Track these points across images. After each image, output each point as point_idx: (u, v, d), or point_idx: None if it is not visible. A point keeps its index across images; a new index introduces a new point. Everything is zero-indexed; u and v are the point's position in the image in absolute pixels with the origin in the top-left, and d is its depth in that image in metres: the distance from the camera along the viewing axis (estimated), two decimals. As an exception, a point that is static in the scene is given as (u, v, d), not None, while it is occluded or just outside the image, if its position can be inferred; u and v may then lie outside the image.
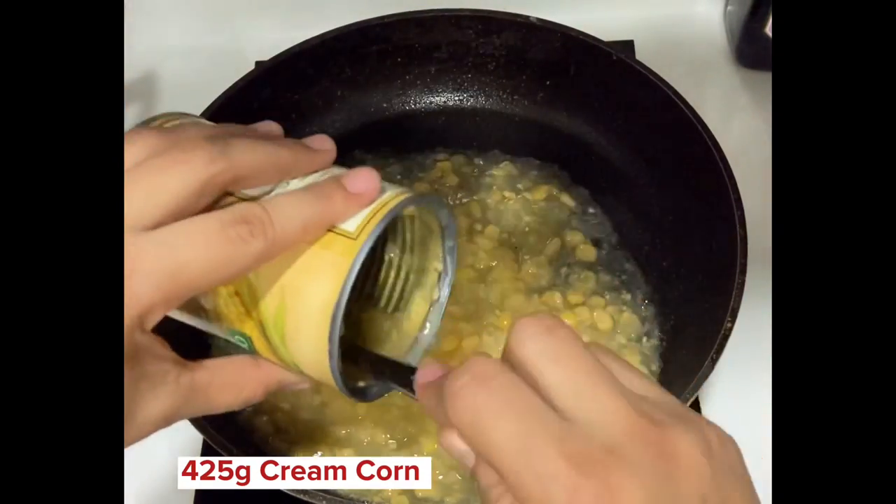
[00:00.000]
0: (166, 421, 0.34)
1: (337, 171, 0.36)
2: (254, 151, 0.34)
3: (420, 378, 0.33)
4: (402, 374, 0.35)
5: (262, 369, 0.38)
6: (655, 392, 0.29)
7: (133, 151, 0.32)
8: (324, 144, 0.37)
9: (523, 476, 0.26)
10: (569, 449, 0.26)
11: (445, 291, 0.42)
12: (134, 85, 0.76)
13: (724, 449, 0.28)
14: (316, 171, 0.36)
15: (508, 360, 0.29)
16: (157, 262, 0.30)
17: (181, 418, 0.35)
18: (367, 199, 0.35)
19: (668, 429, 0.27)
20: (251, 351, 0.36)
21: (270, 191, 0.35)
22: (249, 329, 0.35)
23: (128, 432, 0.32)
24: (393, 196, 0.35)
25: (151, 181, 0.31)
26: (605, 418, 0.27)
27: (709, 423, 0.29)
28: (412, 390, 0.34)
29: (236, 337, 0.36)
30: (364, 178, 0.35)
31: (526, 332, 0.29)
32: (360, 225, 0.33)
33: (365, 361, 0.38)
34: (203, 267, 0.31)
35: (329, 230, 0.34)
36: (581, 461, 0.26)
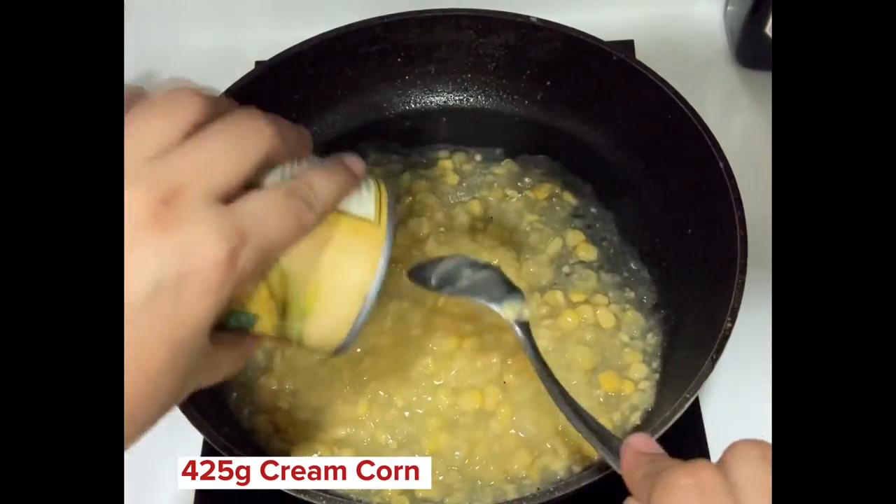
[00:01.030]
0: (191, 391, 0.34)
1: (316, 158, 0.39)
2: (290, 129, 0.36)
3: (635, 443, 0.39)
4: (606, 435, 0.42)
5: (244, 340, 0.38)
6: None
7: (184, 113, 0.32)
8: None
9: None
10: None
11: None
12: (134, 85, 0.76)
13: None
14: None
15: (722, 470, 0.33)
16: (257, 237, 0.32)
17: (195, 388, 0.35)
18: (362, 176, 0.39)
19: None
20: (243, 326, 0.37)
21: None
22: (262, 308, 0.36)
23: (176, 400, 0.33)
24: (373, 181, 0.40)
25: (228, 152, 0.32)
26: None
27: None
28: (611, 452, 0.40)
29: (241, 317, 0.37)
30: (353, 158, 0.39)
31: (747, 455, 0.32)
32: (376, 212, 0.38)
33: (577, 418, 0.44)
34: (280, 241, 0.33)
35: (349, 216, 0.37)
36: None
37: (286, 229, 0.33)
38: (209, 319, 0.31)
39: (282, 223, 0.33)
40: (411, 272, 0.49)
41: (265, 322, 0.37)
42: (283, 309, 0.37)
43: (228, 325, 0.37)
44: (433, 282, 0.48)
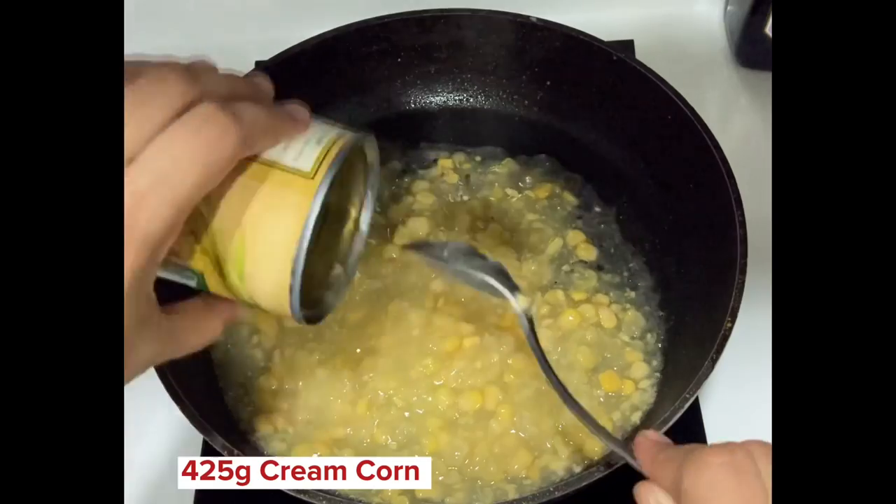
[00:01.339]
0: (149, 364, 0.35)
1: None
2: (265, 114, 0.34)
3: (651, 435, 0.40)
4: (612, 437, 0.44)
5: (216, 309, 0.38)
6: None
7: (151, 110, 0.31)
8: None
9: None
10: None
11: (366, 226, 0.42)
12: (134, 85, 0.76)
13: None
14: None
15: None
16: (158, 194, 0.30)
17: (158, 363, 0.36)
18: (304, 125, 0.35)
19: None
20: (200, 287, 0.36)
21: None
22: (203, 266, 0.35)
23: (126, 374, 0.32)
24: (336, 136, 0.36)
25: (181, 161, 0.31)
26: None
27: None
28: (625, 450, 0.41)
29: (185, 273, 0.36)
30: (298, 106, 0.36)
31: (764, 451, 0.34)
32: (315, 165, 0.34)
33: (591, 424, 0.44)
34: (194, 181, 0.30)
35: (281, 168, 0.34)
36: None
37: (196, 170, 0.30)
38: (135, 277, 0.30)
39: (191, 164, 0.30)
40: (410, 245, 0.48)
41: (210, 280, 0.35)
42: (220, 266, 0.35)
43: (175, 279, 0.36)
44: (444, 253, 0.47)
